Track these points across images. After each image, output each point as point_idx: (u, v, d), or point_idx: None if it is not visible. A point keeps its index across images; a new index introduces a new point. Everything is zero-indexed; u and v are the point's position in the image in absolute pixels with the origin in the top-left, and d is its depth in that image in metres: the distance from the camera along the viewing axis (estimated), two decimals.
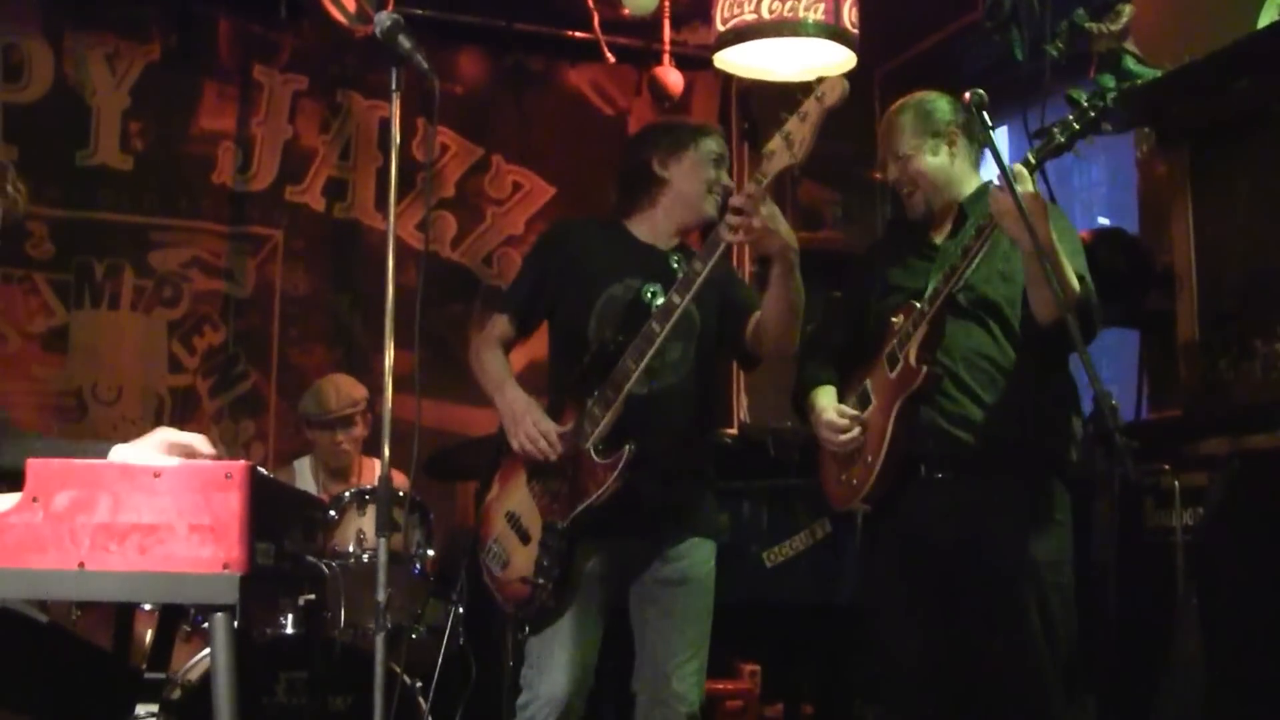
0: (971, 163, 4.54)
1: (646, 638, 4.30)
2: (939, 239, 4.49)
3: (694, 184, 4.48)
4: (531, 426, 4.20)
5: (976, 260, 4.18)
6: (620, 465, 4.07)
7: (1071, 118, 3.99)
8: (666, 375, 4.26)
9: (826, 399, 4.53)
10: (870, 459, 4.34)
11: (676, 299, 4.08)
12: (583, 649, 4.23)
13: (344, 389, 6.35)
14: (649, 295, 4.24)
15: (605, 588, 4.29)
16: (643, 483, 4.15)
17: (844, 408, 4.44)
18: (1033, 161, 4.04)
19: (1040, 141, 4.05)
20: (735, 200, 4.00)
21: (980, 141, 4.42)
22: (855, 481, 4.41)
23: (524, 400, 4.30)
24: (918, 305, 4.27)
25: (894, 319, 4.35)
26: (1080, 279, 4.15)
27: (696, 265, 4.08)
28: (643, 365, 4.09)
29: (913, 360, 4.24)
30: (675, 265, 4.29)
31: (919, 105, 4.52)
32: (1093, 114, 3.96)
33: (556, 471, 4.21)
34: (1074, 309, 3.95)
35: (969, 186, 4.48)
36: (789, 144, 3.90)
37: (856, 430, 4.37)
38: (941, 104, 4.50)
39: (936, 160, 4.45)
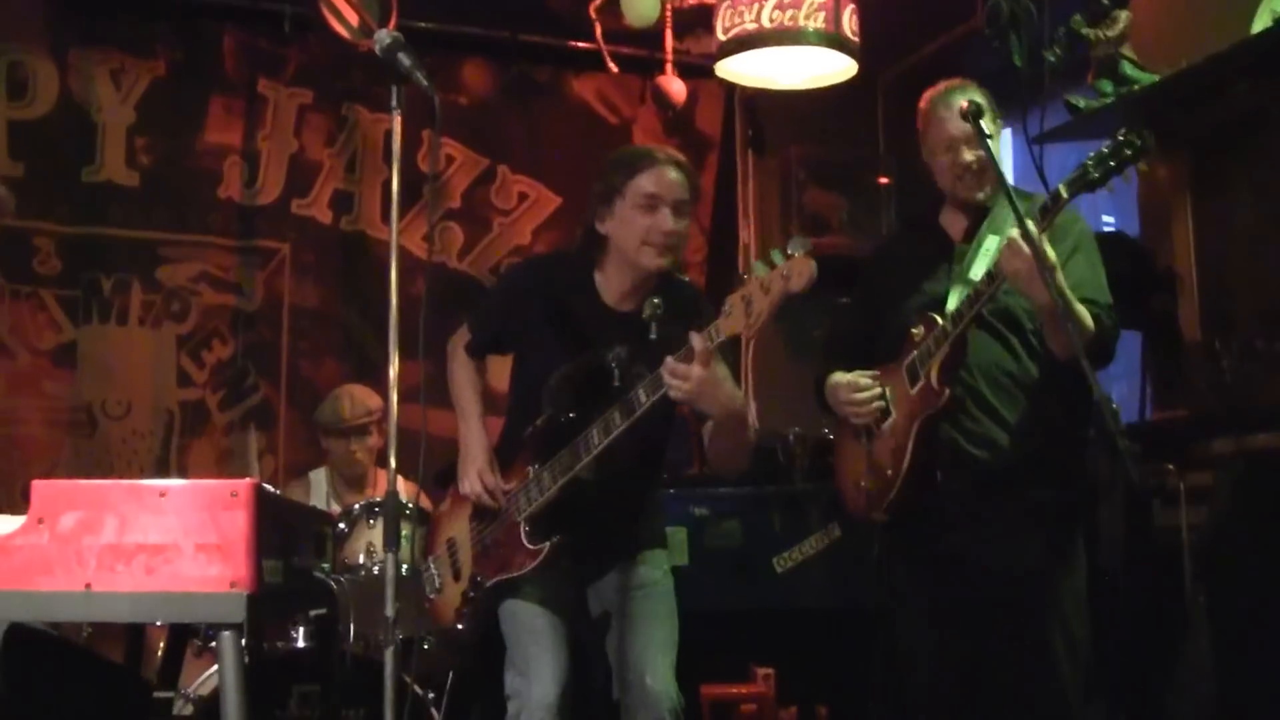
0: None
1: (616, 644, 4.27)
2: (955, 236, 4.47)
3: (627, 239, 4.19)
4: (477, 478, 4.26)
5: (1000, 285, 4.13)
6: (540, 559, 4.11)
7: (1107, 152, 3.90)
8: (613, 460, 4.11)
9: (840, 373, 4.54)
10: (890, 473, 4.34)
11: (618, 419, 3.98)
12: (565, 652, 4.20)
13: (359, 398, 6.38)
14: (612, 362, 4.15)
15: (562, 607, 4.27)
16: (583, 544, 4.19)
17: (862, 374, 4.45)
18: (1064, 195, 3.97)
19: (1074, 173, 3.97)
20: (670, 364, 3.82)
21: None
22: (874, 491, 4.41)
23: (480, 444, 4.34)
24: (940, 322, 4.23)
25: (914, 330, 4.32)
26: (1100, 309, 4.15)
27: (642, 396, 3.94)
28: (581, 465, 4.06)
29: (934, 382, 4.21)
30: (646, 315, 4.06)
31: (981, 90, 4.35)
32: (1129, 152, 3.88)
33: (494, 525, 4.25)
34: (1091, 342, 3.97)
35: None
36: (747, 311, 3.70)
37: (878, 390, 4.39)
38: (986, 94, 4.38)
39: (994, 146, 4.32)
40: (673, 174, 4.19)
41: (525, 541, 4.13)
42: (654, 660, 4.20)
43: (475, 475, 4.26)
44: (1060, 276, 3.99)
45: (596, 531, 4.19)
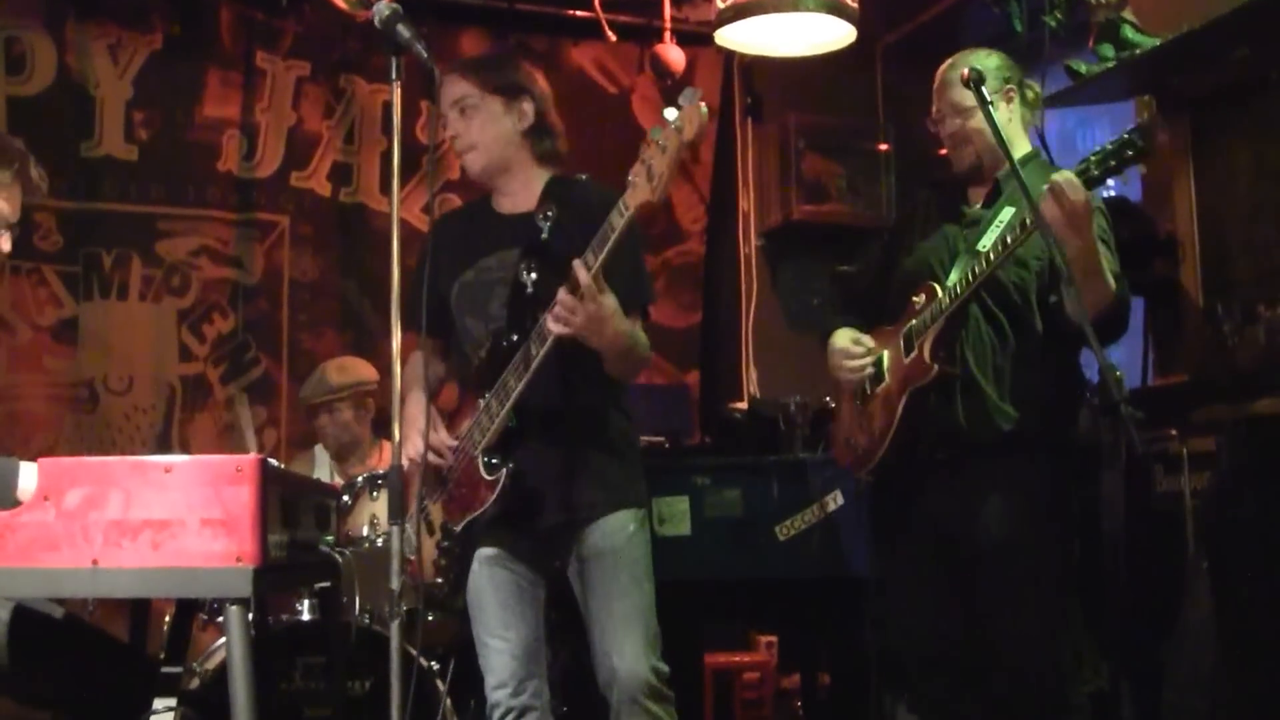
0: (1022, 125, 4.49)
1: (584, 618, 4.16)
2: (975, 204, 4.46)
3: None
4: (417, 438, 4.11)
5: (1007, 259, 4.12)
6: (498, 489, 3.97)
7: (1110, 150, 3.85)
8: (543, 378, 3.99)
9: (844, 331, 4.56)
10: (877, 435, 4.36)
11: (513, 382, 3.94)
12: (518, 630, 4.15)
13: (328, 376, 6.40)
14: (524, 274, 4.04)
15: (530, 568, 4.20)
16: (538, 486, 4.07)
17: (861, 337, 4.47)
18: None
19: (1077, 168, 3.88)
20: (557, 301, 3.76)
21: (1030, 106, 4.40)
22: (861, 450, 4.43)
23: (417, 409, 4.19)
24: (939, 293, 4.24)
25: (914, 298, 4.33)
26: (1117, 279, 4.12)
27: (533, 349, 3.90)
28: (524, 382, 3.93)
29: (926, 355, 4.22)
30: (541, 223, 4.05)
31: (981, 59, 4.37)
32: (1130, 153, 3.84)
33: (455, 467, 4.15)
34: (1110, 308, 3.98)
35: (1017, 150, 4.36)
36: (650, 176, 3.57)
37: (869, 360, 4.41)
38: (1001, 60, 4.41)
39: (997, 116, 4.25)
40: (443, 86, 4.19)
41: (484, 473, 4.01)
42: (618, 639, 4.06)
43: (415, 437, 4.10)
44: (1097, 223, 4.01)
45: (551, 467, 4.08)
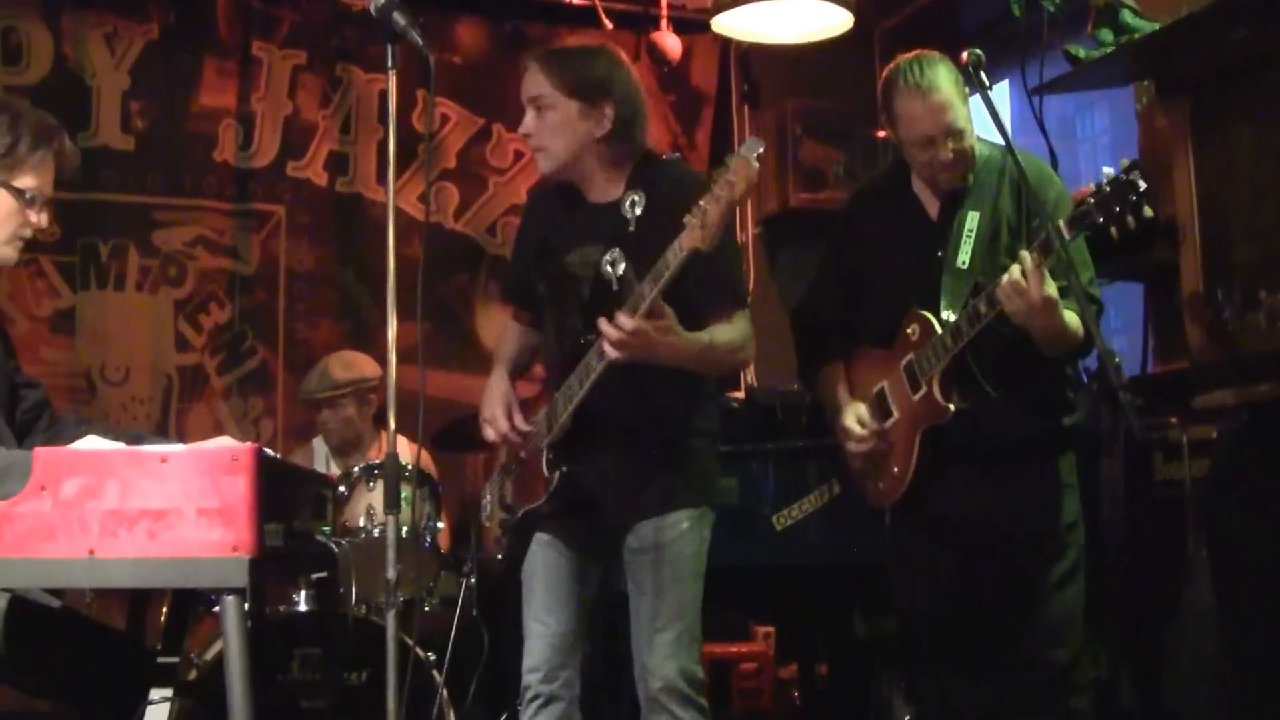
0: None
1: (630, 610, 4.14)
2: (930, 210, 4.40)
3: None
4: (490, 423, 4.18)
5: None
6: (551, 488, 3.99)
7: (1110, 193, 3.74)
8: (612, 379, 3.93)
9: (844, 397, 4.52)
10: (898, 470, 4.34)
11: (577, 386, 3.92)
12: (559, 617, 4.13)
13: (332, 371, 6.39)
14: (608, 268, 4.00)
15: (586, 557, 4.19)
16: (596, 491, 4.06)
17: (864, 415, 4.43)
18: (1066, 236, 3.85)
19: (1077, 211, 3.83)
20: (608, 328, 3.68)
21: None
22: (883, 486, 4.43)
23: (496, 390, 4.25)
24: (937, 329, 4.20)
25: (908, 329, 4.30)
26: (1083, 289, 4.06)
27: (593, 361, 3.87)
28: (585, 390, 3.92)
29: (938, 395, 4.19)
30: (625, 212, 4.01)
31: (951, 70, 4.20)
32: (1134, 197, 3.71)
33: (529, 451, 4.16)
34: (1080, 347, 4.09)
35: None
36: (703, 224, 3.50)
37: (873, 442, 4.39)
38: (951, 66, 4.24)
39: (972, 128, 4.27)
40: (525, 75, 4.12)
41: (544, 469, 4.02)
42: (649, 635, 4.04)
43: (489, 421, 4.20)
44: (1061, 310, 3.97)
45: (613, 470, 4.06)
